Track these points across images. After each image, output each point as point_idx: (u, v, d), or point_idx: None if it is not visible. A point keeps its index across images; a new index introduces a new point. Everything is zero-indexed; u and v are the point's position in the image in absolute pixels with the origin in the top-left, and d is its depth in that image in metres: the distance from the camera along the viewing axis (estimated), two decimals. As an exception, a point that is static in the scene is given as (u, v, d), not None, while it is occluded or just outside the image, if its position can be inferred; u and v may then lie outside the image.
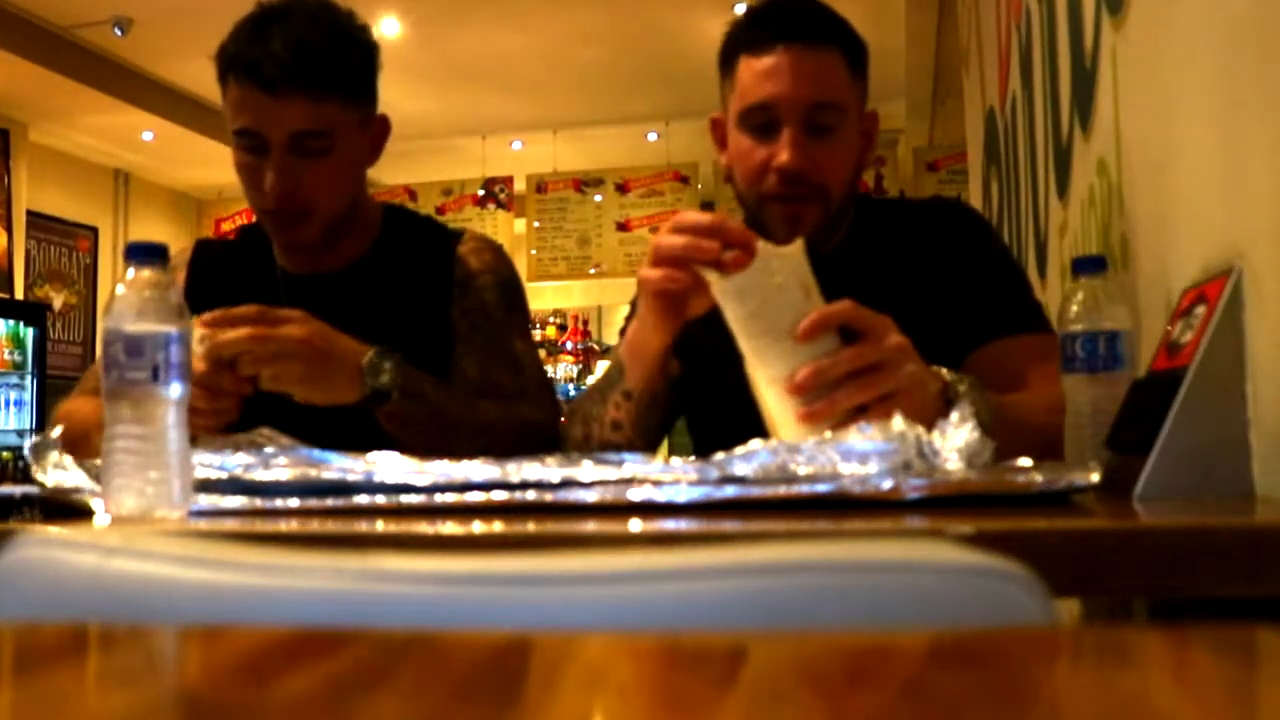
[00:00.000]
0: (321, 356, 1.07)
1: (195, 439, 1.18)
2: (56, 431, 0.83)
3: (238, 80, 1.17)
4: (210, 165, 6.31)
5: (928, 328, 1.11)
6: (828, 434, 0.77)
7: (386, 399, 1.11)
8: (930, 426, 0.75)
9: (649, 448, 1.07)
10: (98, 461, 0.75)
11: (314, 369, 1.07)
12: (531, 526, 0.63)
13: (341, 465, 0.79)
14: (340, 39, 1.19)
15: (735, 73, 1.15)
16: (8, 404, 4.99)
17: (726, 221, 0.92)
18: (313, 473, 0.78)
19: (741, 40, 1.15)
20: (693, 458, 0.82)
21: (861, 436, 0.74)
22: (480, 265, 1.31)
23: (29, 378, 5.09)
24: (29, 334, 5.15)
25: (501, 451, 0.98)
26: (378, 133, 1.29)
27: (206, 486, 0.78)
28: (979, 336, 1.11)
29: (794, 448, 0.74)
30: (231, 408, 1.05)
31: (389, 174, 7.55)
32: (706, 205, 7.02)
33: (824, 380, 0.86)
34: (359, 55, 1.22)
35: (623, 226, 7.54)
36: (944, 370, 0.94)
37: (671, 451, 1.20)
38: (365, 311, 1.24)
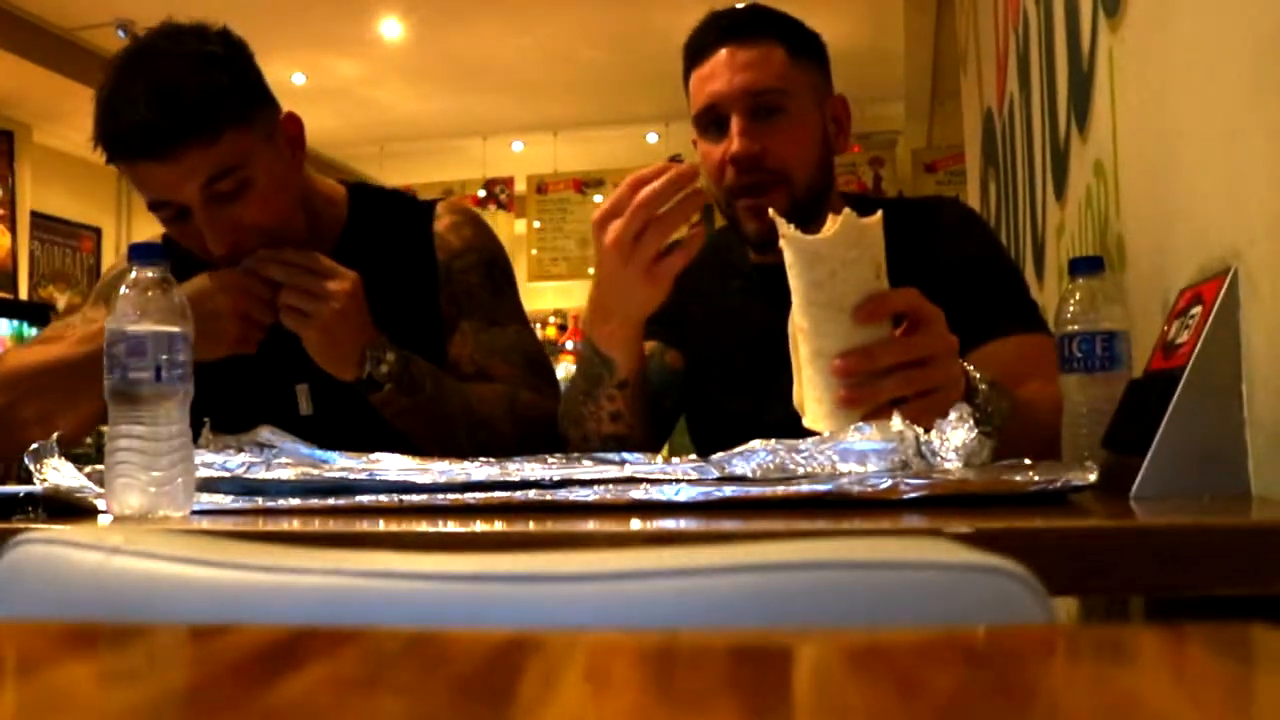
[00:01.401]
0: (342, 319, 1.09)
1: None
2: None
3: (124, 160, 1.09)
4: (211, 166, 6.30)
5: None
6: (826, 433, 0.77)
7: (379, 388, 1.11)
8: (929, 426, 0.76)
9: (647, 436, 1.06)
10: (99, 466, 0.75)
11: (331, 324, 1.08)
12: (532, 525, 0.63)
13: (343, 465, 0.80)
14: (203, 68, 1.08)
15: (690, 88, 1.18)
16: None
17: (643, 174, 0.92)
18: (314, 472, 0.79)
19: (688, 59, 1.18)
20: (692, 457, 0.82)
21: (860, 436, 0.75)
22: (461, 244, 1.26)
23: (31, 378, 5.09)
24: (33, 334, 5.15)
25: (504, 442, 0.98)
26: (292, 132, 1.18)
27: (209, 486, 0.78)
28: (976, 337, 1.11)
29: (793, 446, 0.74)
30: (256, 337, 1.10)
31: (389, 174, 7.54)
32: (707, 206, 7.01)
33: (872, 367, 0.84)
34: (229, 75, 1.09)
35: (623, 227, 7.52)
36: (970, 366, 0.94)
37: (671, 451, 1.20)
38: None
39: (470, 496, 0.73)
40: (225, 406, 1.06)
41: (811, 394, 0.87)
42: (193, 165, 1.06)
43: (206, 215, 1.09)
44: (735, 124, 1.12)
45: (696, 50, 1.17)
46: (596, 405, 1.07)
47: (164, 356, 0.71)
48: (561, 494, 0.72)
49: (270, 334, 1.13)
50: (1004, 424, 0.88)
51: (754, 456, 0.74)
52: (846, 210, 0.87)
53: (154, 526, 0.67)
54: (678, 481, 0.72)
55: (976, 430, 0.75)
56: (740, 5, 1.19)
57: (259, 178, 1.11)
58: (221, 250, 1.11)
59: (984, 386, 0.91)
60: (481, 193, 7.56)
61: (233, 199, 1.09)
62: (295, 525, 0.67)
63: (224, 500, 0.76)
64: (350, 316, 1.09)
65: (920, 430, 0.75)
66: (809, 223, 1.16)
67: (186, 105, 1.06)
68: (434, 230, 1.26)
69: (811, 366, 0.87)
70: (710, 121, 1.15)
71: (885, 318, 0.86)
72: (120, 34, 4.91)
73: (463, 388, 1.17)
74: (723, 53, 1.14)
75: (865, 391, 0.84)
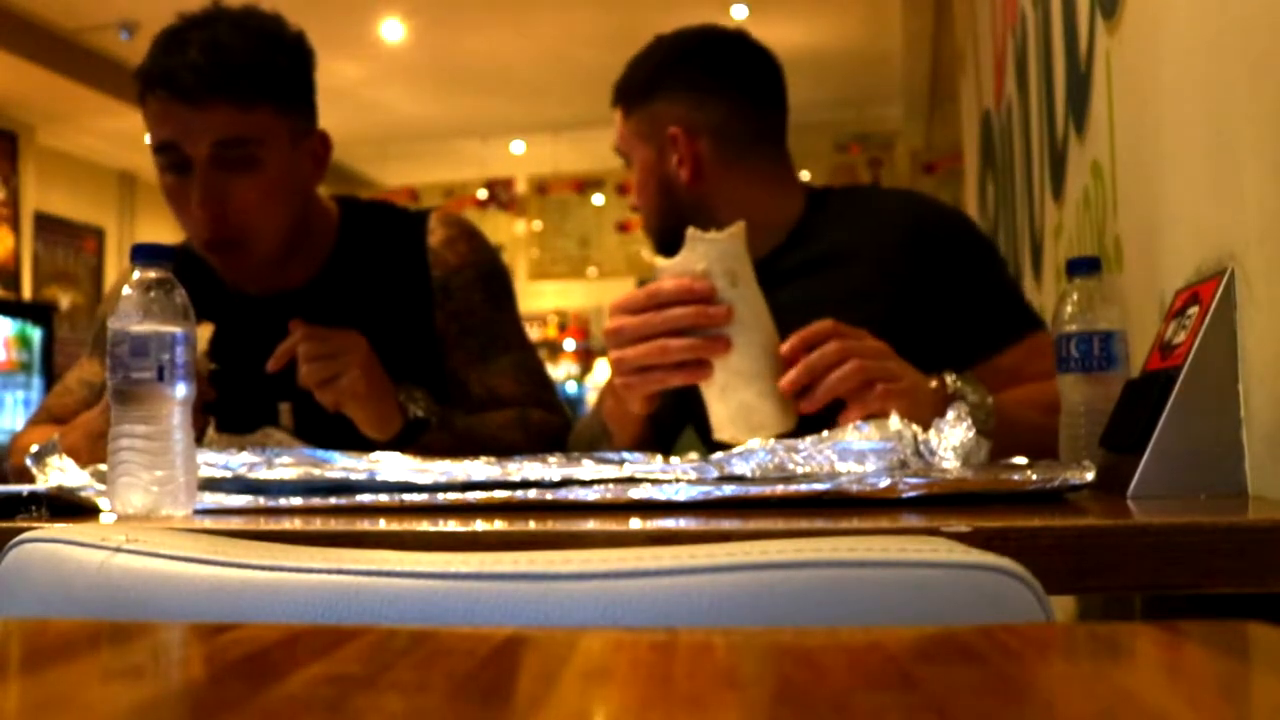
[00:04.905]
0: (370, 366, 1.05)
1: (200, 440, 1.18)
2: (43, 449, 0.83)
3: (155, 94, 1.08)
4: (212, 167, 6.31)
5: (897, 335, 1.10)
6: (825, 433, 0.77)
7: (425, 426, 1.08)
8: (927, 425, 0.76)
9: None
10: (102, 466, 0.76)
11: (364, 373, 1.04)
12: (532, 525, 0.64)
13: (344, 464, 0.80)
14: (265, 43, 1.11)
15: None
16: (15, 404, 5.00)
17: (665, 288, 0.92)
18: (316, 472, 0.79)
19: None
20: (693, 456, 0.82)
21: (859, 435, 0.75)
22: (458, 260, 1.24)
23: (36, 378, 5.10)
24: (36, 334, 5.14)
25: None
26: (318, 149, 1.19)
27: (211, 485, 0.78)
28: (969, 355, 1.08)
29: (792, 446, 0.74)
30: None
31: (391, 175, 7.55)
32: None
33: (814, 372, 0.88)
34: (286, 59, 1.13)
35: (623, 227, 7.56)
36: (945, 376, 0.94)
37: (678, 451, 1.20)
38: (339, 326, 1.16)
39: (471, 496, 0.73)
40: (216, 420, 1.06)
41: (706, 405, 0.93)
42: (215, 120, 1.07)
43: (205, 176, 1.09)
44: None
45: None
46: None
47: (166, 356, 0.71)
48: (561, 493, 0.72)
49: (251, 351, 1.11)
50: (988, 427, 0.89)
51: (753, 456, 0.74)
52: (690, 228, 0.92)
53: (156, 525, 0.67)
54: (678, 481, 0.72)
55: (974, 430, 0.75)
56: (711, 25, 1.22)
57: (269, 165, 1.11)
58: (201, 220, 1.09)
59: (958, 383, 0.92)
60: (483, 193, 7.57)
61: (235, 171, 1.09)
62: (297, 524, 0.67)
63: (226, 499, 0.76)
64: (374, 362, 1.07)
65: (918, 429, 0.75)
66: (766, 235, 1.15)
67: (236, 63, 1.08)
68: (428, 245, 1.24)
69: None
70: None
71: (754, 325, 0.90)
72: (124, 35, 4.92)
73: (484, 419, 1.17)
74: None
75: (819, 394, 0.89)
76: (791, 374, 0.88)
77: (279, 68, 1.12)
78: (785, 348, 0.89)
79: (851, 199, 1.23)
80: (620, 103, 1.24)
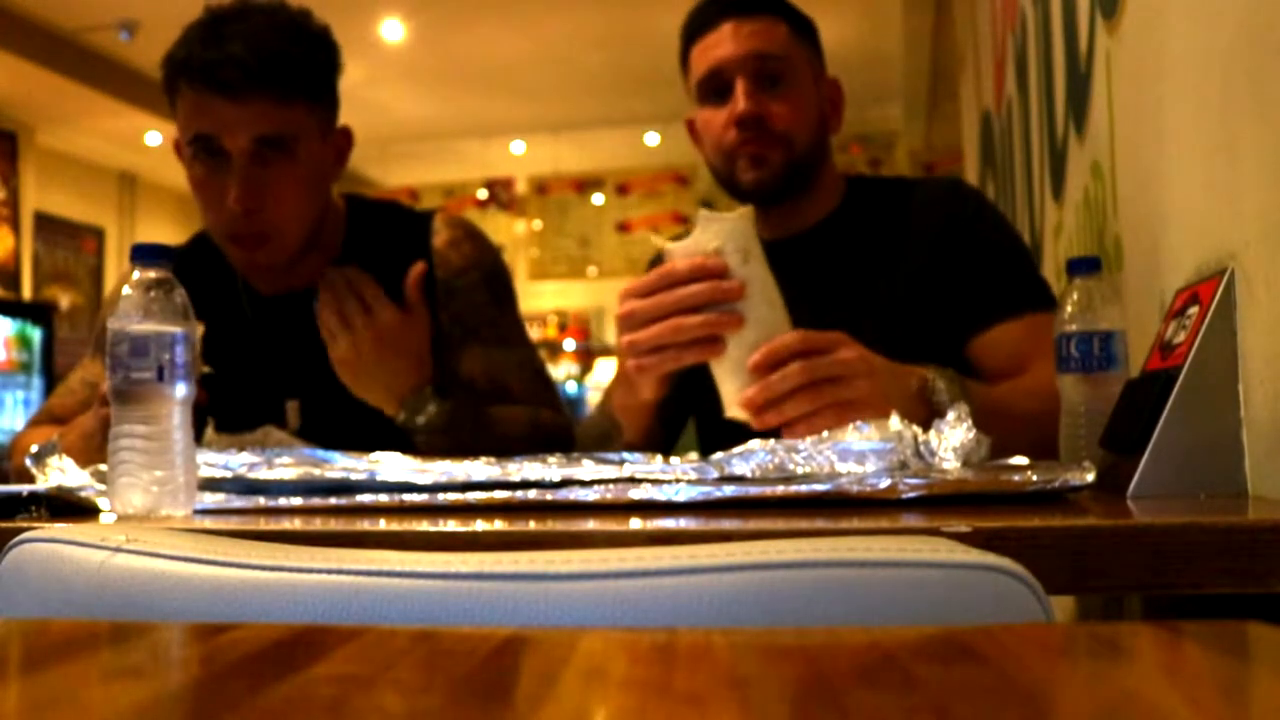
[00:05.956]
0: (362, 357, 1.07)
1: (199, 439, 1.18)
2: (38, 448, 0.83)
3: (193, 86, 1.09)
4: (212, 167, 6.31)
5: (921, 307, 1.12)
6: (825, 433, 0.77)
7: (413, 431, 1.10)
8: (925, 426, 0.76)
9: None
10: (102, 466, 0.76)
11: (349, 356, 1.07)
12: (532, 525, 0.64)
13: (344, 464, 0.80)
14: (302, 38, 1.13)
15: (690, 61, 1.20)
16: (15, 404, 5.00)
17: (678, 268, 0.91)
18: (316, 472, 0.79)
19: (690, 33, 1.20)
20: (693, 456, 0.82)
21: (859, 436, 0.75)
22: (462, 261, 1.25)
23: (35, 378, 5.09)
24: (36, 334, 5.14)
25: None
26: (341, 144, 1.22)
27: (211, 485, 0.78)
28: (979, 321, 1.11)
29: (792, 447, 0.75)
30: None
31: (391, 175, 7.55)
32: (706, 205, 7.03)
33: (771, 395, 0.87)
34: (322, 55, 1.15)
35: (623, 227, 7.57)
36: (926, 370, 0.94)
37: (675, 450, 1.20)
38: None
39: (471, 496, 0.73)
40: (216, 420, 1.06)
41: (718, 386, 0.92)
42: (256, 114, 1.08)
43: (243, 170, 1.09)
44: (741, 86, 1.14)
45: (699, 25, 1.19)
46: None
47: (166, 356, 0.71)
48: (562, 494, 0.72)
49: (260, 349, 1.12)
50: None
51: (753, 456, 0.74)
52: (702, 210, 0.93)
53: (156, 525, 0.67)
54: (678, 481, 0.72)
55: (974, 430, 0.75)
56: None
57: (301, 159, 1.12)
58: (236, 213, 1.10)
59: (941, 384, 0.93)
60: (483, 193, 7.58)
61: (271, 165, 1.10)
62: (297, 524, 0.67)
63: (226, 499, 0.76)
64: (373, 359, 1.08)
65: (919, 430, 0.75)
66: (798, 194, 1.18)
67: (278, 56, 1.09)
68: (433, 246, 1.25)
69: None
70: (713, 90, 1.17)
71: (764, 305, 0.90)
72: (124, 36, 4.92)
73: (493, 419, 1.18)
74: (727, 24, 1.16)
75: (771, 415, 0.88)
76: (750, 392, 0.88)
77: (316, 62, 1.13)
78: (751, 362, 0.89)
79: (889, 185, 1.26)
80: (783, 16, 1.19)
